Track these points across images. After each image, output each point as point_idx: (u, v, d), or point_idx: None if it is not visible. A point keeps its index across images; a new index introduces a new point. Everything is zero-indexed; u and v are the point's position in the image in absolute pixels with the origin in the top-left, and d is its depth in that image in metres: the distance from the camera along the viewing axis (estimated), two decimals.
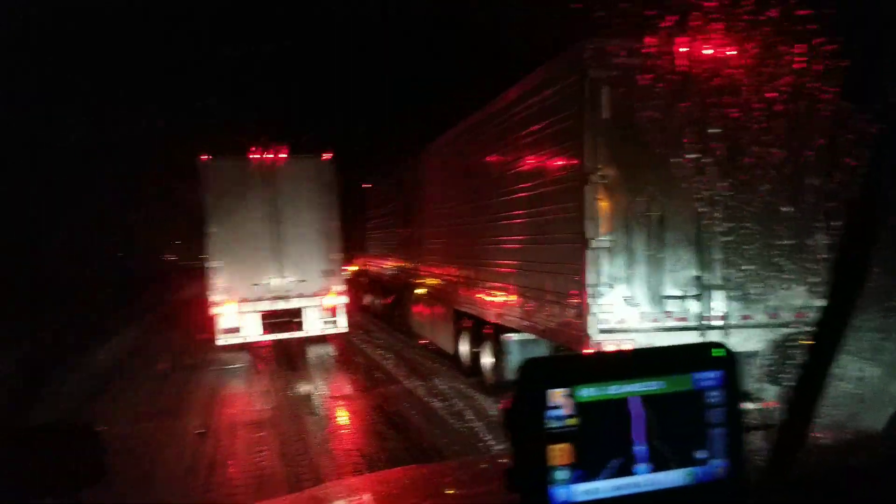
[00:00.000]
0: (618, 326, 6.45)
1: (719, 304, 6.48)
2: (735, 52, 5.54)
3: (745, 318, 6.42)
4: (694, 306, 6.48)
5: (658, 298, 6.50)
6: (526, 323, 8.03)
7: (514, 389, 1.11)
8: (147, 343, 16.54)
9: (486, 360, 9.41)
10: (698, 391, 1.15)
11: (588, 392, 1.09)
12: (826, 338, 1.31)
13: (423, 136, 13.93)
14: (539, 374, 1.11)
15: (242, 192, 12.86)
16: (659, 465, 1.12)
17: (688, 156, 5.89)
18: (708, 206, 6.22)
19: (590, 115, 6.22)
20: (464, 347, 10.52)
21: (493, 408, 8.55)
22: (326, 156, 13.40)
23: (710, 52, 5.91)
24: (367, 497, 2.13)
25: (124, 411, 9.32)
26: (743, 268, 6.27)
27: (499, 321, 8.81)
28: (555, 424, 1.07)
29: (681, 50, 5.66)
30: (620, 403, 1.11)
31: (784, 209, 5.82)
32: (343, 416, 8.92)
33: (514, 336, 8.54)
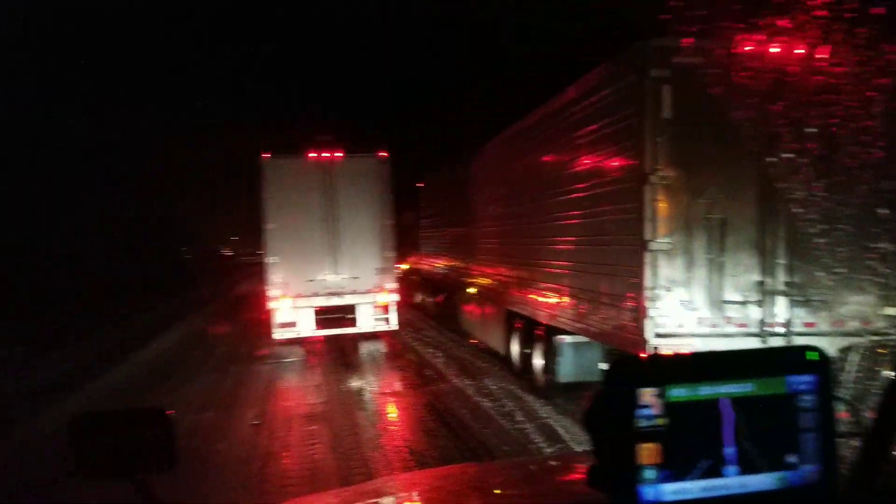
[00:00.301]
0: (675, 331, 6.33)
1: (782, 310, 6.31)
2: (804, 50, 5.36)
3: (808, 325, 6.23)
4: (755, 312, 6.32)
5: (718, 303, 6.36)
6: (579, 325, 7.95)
7: (600, 387, 1.10)
8: (205, 335, 16.97)
9: (538, 361, 9.35)
10: (791, 394, 1.13)
11: (678, 392, 1.09)
12: None
13: (477, 136, 13.95)
14: (629, 373, 1.11)
15: (300, 190, 13.08)
16: (749, 468, 1.11)
17: (756, 156, 5.72)
18: (779, 208, 6.05)
19: (650, 115, 6.11)
20: (515, 348, 10.48)
21: (544, 409, 8.50)
22: (382, 155, 13.53)
23: (777, 49, 5.75)
24: (417, 493, 2.14)
25: (184, 401, 9.58)
26: (809, 273, 6.07)
27: (551, 322, 8.75)
28: (644, 423, 1.07)
29: (747, 49, 5.51)
30: (711, 404, 1.10)
31: (874, 212, 5.60)
32: (394, 413, 8.99)
33: (566, 338, 8.45)
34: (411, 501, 2.09)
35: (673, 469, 1.08)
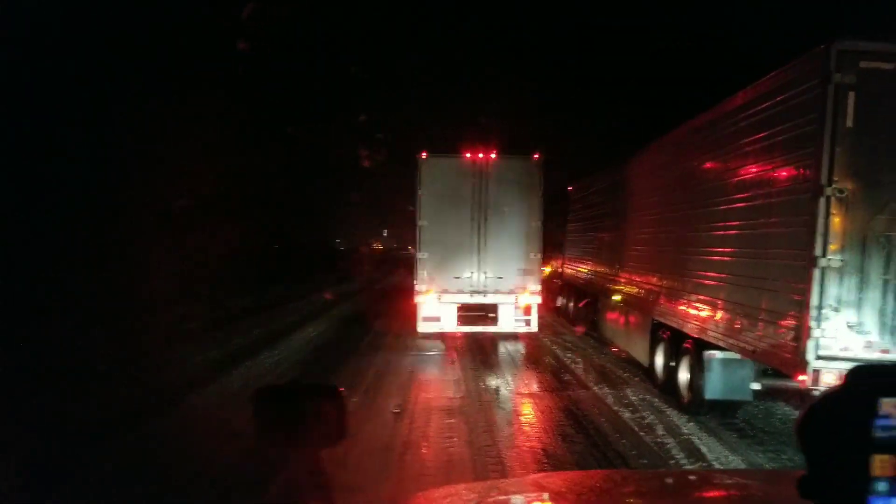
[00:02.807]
0: (840, 354, 5.92)
1: None
2: None
3: None
4: None
5: (891, 328, 5.86)
6: (732, 341, 7.56)
7: (830, 394, 1.08)
8: (352, 323, 17.79)
9: (684, 375, 8.98)
10: None
11: None
12: None
13: (630, 142, 13.62)
14: (871, 382, 1.07)
15: (453, 188, 13.36)
16: None
17: None
18: None
19: (830, 123, 5.73)
20: (659, 360, 10.13)
21: (687, 426, 8.17)
22: (535, 156, 13.52)
23: None
24: (550, 494, 2.12)
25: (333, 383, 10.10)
26: None
27: (701, 336, 8.38)
28: (881, 434, 1.03)
29: None
30: None
31: None
32: (530, 414, 8.97)
33: (717, 353, 8.07)
34: (544, 502, 2.08)
35: None
